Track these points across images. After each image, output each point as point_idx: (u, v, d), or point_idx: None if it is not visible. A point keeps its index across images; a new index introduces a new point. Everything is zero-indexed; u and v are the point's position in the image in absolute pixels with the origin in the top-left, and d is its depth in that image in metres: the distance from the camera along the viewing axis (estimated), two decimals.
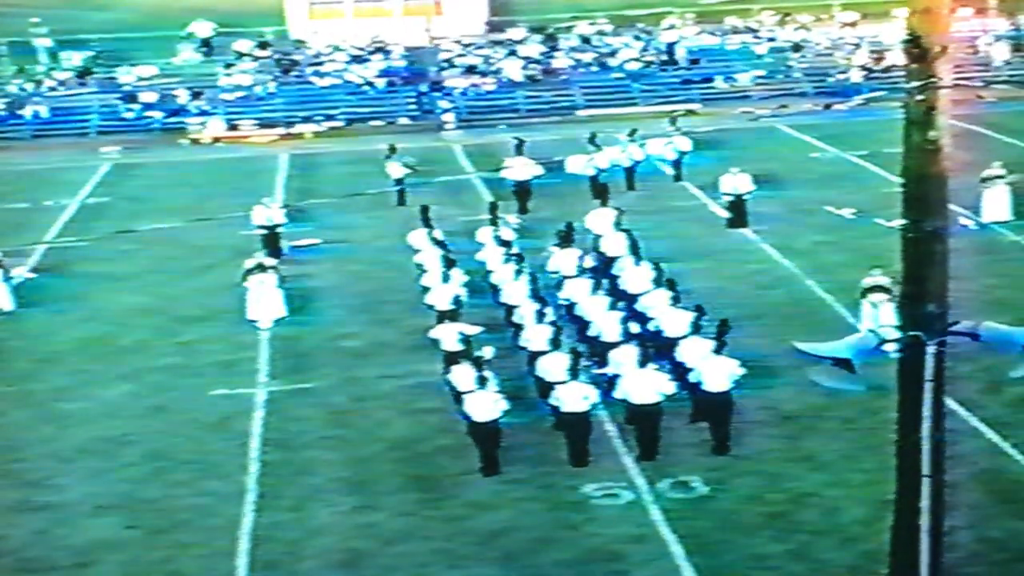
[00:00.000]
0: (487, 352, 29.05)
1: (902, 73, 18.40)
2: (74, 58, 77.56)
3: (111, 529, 25.16)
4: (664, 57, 74.39)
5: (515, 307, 32.56)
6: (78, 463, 28.17)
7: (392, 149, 50.13)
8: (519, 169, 47.38)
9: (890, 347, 28.79)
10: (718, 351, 27.75)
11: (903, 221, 18.82)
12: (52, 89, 73.57)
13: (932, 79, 17.87)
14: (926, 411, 18.94)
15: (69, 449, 28.91)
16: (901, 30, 18.42)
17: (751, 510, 24.90)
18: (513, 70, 72.02)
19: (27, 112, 70.13)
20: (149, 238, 43.79)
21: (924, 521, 19.28)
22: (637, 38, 77.75)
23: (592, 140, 48.81)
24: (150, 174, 57.56)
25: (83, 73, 75.74)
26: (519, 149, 47.98)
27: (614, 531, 24.34)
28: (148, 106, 69.71)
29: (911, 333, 19.18)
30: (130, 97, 70.64)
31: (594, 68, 73.63)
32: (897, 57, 64.53)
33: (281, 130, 66.06)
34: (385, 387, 31.59)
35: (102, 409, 31.15)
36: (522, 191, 47.01)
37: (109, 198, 52.84)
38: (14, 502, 26.46)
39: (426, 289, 34.64)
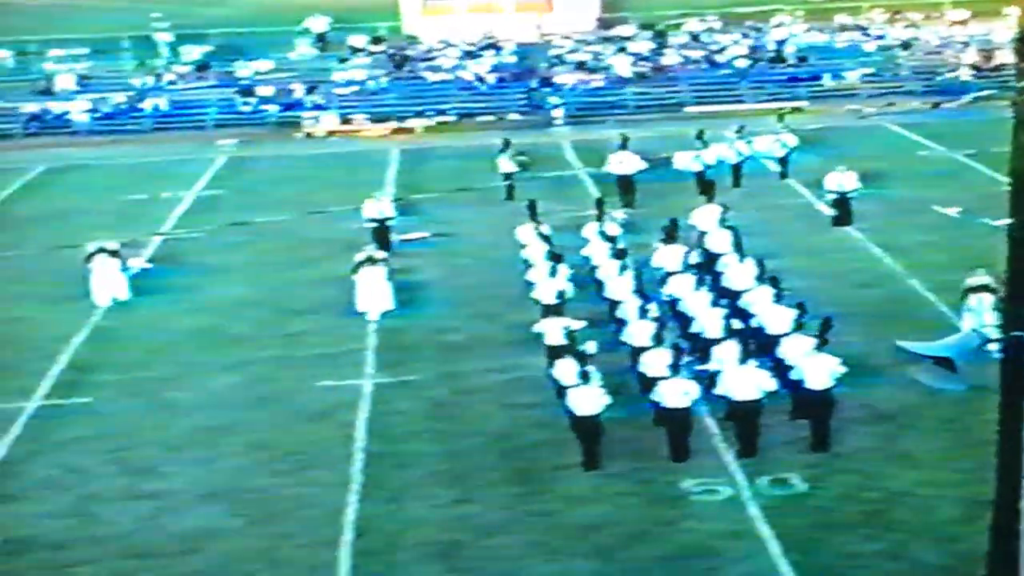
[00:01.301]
0: (590, 347, 28.83)
1: (1012, 72, 18.04)
2: (193, 52, 78.30)
3: (216, 517, 25.20)
4: (772, 54, 73.78)
5: (619, 302, 32.34)
6: (185, 452, 28.25)
7: (506, 143, 50.00)
8: (623, 164, 47.10)
9: (992, 347, 28.46)
10: (820, 348, 27.40)
11: (1009, 221, 18.46)
12: (172, 83, 74.23)
13: None
14: None
15: (176, 438, 29.02)
16: (1012, 29, 18.12)
17: (847, 508, 24.55)
18: (622, 66, 71.67)
19: (147, 105, 70.69)
20: (261, 230, 43.94)
21: None
22: (746, 35, 77.32)
23: (699, 136, 48.42)
24: (264, 167, 57.78)
25: (202, 67, 76.38)
26: (624, 144, 47.69)
27: (711, 527, 24.07)
28: (264, 100, 70.03)
29: (1014, 333, 18.82)
30: (247, 91, 71.01)
31: (703, 65, 73.17)
32: (1007, 56, 63.71)
33: (393, 124, 66.13)
34: (486, 381, 31.46)
35: (209, 399, 31.24)
36: (626, 186, 46.72)
37: (224, 191, 53.10)
38: (123, 489, 26.58)
39: (531, 284, 34.46)
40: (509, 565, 22.93)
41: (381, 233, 42.18)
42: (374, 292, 36.54)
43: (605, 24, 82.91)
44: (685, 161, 48.29)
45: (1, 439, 28.99)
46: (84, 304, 38.02)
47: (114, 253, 38.83)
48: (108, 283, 38.49)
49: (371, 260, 37.07)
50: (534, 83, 70.21)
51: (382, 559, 23.28)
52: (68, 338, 35.49)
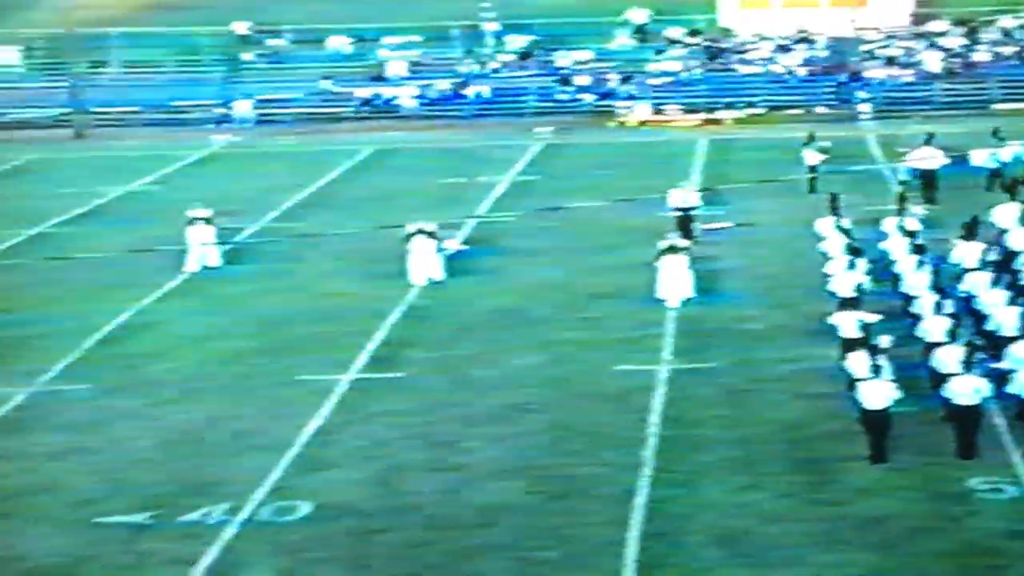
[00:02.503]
0: (884, 341, 28.23)
1: None
2: (517, 41, 78.93)
3: (512, 493, 25.30)
4: None
5: (915, 297, 31.69)
6: (486, 428, 28.47)
7: (811, 137, 49.41)
8: (926, 160, 46.11)
9: None
10: None
11: None
12: (495, 71, 75.03)
13: None
14: None
15: (478, 414, 29.27)
16: None
17: None
18: (932, 62, 70.10)
19: (470, 92, 71.67)
20: (571, 216, 44.17)
21: None
22: None
23: (995, 134, 47.13)
24: (577, 154, 58.07)
25: (524, 56, 77.01)
26: (928, 140, 46.70)
27: (995, 526, 23.31)
28: (581, 89, 70.36)
29: None
30: (565, 80, 71.43)
31: (1014, 62, 71.05)
32: None
33: (703, 115, 65.83)
34: (781, 370, 31.08)
35: (512, 378, 31.45)
36: (928, 181, 45.72)
37: (538, 176, 53.49)
38: (427, 461, 26.86)
39: (829, 276, 33.95)
40: (791, 553, 22.54)
41: (685, 222, 41.99)
42: (675, 279, 36.41)
43: (918, 19, 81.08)
44: (982, 158, 47.09)
45: (320, 409, 29.63)
46: (401, 283, 38.69)
47: (431, 234, 39.43)
48: (424, 263, 39.11)
49: (673, 248, 36.94)
50: (843, 77, 69.10)
51: (669, 542, 23.11)
52: (384, 315, 36.17)
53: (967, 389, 26.14)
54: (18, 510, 24.81)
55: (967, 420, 26.19)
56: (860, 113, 64.50)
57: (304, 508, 24.60)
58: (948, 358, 27.49)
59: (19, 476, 26.35)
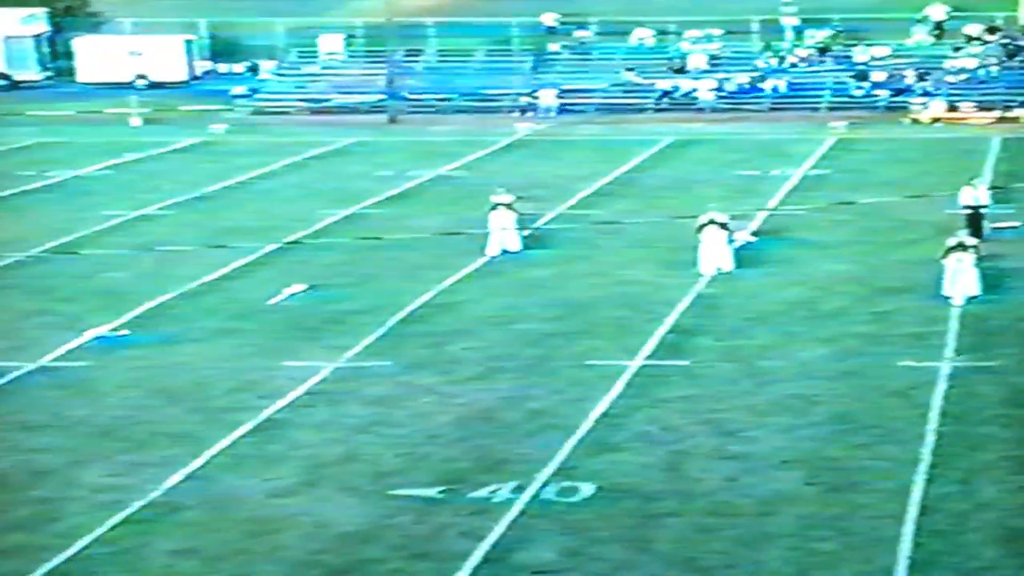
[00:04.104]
0: None
1: None
2: (816, 36, 77.87)
3: (792, 483, 24.96)
4: None
5: None
6: (770, 417, 28.13)
7: None
8: None
9: None
10: None
11: None
12: (793, 65, 74.17)
13: None
14: None
15: (764, 404, 28.93)
16: None
17: None
18: None
19: (768, 86, 71.01)
20: (862, 210, 43.42)
21: None
22: None
23: None
24: (870, 149, 57.06)
25: (822, 51, 75.93)
26: None
27: None
28: (876, 85, 69.09)
29: None
30: (861, 75, 70.20)
31: None
32: None
33: (997, 113, 64.02)
34: None
35: (798, 369, 31.02)
36: None
37: (830, 170, 52.70)
38: (712, 449, 26.64)
39: None
40: None
41: (974, 220, 40.88)
42: (962, 277, 35.49)
43: None
44: None
45: (607, 393, 29.67)
46: (692, 272, 38.52)
47: (723, 225, 39.15)
48: (715, 253, 38.85)
49: (962, 246, 36.01)
50: None
51: (947, 539, 22.53)
52: (674, 303, 36.05)
53: None
54: (325, 479, 25.41)
55: None
56: None
57: (589, 489, 24.65)
58: None
59: (327, 447, 26.96)
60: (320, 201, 49.87)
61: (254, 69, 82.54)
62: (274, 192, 52.85)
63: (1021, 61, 71.32)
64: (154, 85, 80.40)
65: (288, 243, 42.85)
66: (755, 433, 27.34)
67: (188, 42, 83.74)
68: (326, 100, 74.47)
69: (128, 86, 79.02)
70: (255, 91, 77.42)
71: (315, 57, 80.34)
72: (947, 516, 23.36)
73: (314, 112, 73.21)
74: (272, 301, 37.14)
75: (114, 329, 34.77)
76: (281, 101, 75.48)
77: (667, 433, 27.39)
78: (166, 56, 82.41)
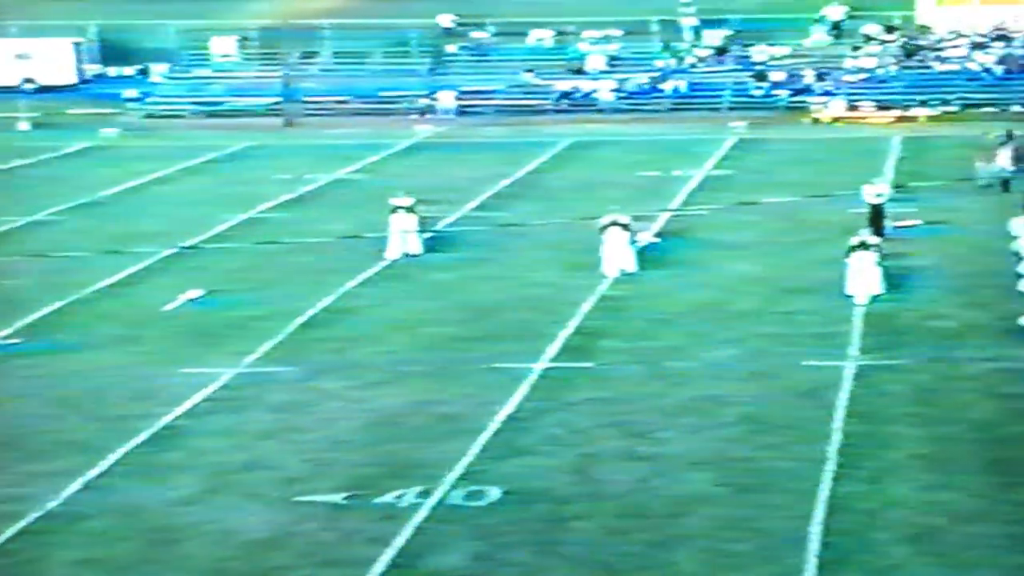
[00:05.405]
0: None
1: None
2: (714, 36, 78.37)
3: (703, 484, 25.08)
4: None
5: None
6: (680, 419, 28.26)
7: (1009, 135, 48.56)
8: None
9: None
10: None
11: None
12: (692, 65, 74.63)
13: None
14: None
15: (673, 405, 29.06)
16: None
17: None
18: None
19: (668, 86, 71.43)
20: (765, 210, 43.79)
21: None
22: None
23: None
24: (772, 149, 57.56)
25: (721, 51, 76.45)
26: None
27: None
28: (776, 84, 69.70)
29: None
30: (760, 75, 70.80)
31: None
32: None
33: (897, 113, 64.83)
34: (972, 369, 30.46)
35: (706, 370, 31.21)
36: None
37: (732, 171, 53.09)
38: (621, 451, 26.71)
39: (1021, 276, 33.22)
40: (984, 554, 21.99)
41: (876, 218, 41.35)
42: (864, 276, 35.87)
43: None
44: None
45: (513, 396, 29.69)
46: (596, 273, 38.63)
47: (625, 226, 39.32)
48: (618, 255, 38.99)
49: (864, 245, 36.39)
50: None
51: (855, 538, 22.74)
52: (579, 305, 36.14)
53: None
54: (229, 486, 25.23)
55: None
56: None
57: (498, 493, 24.65)
58: None
59: (230, 454, 26.79)
60: (217, 206, 49.55)
61: (145, 72, 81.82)
62: (170, 197, 52.52)
63: (919, 61, 72.19)
64: (42, 89, 79.54)
65: (185, 248, 42.55)
66: (665, 434, 27.47)
67: (77, 45, 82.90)
68: (221, 103, 73.98)
69: (15, 90, 78.14)
70: (148, 94, 76.77)
71: (208, 60, 79.82)
72: (857, 515, 23.56)
73: (209, 115, 72.71)
74: (169, 307, 36.86)
75: (5, 337, 34.37)
76: (174, 104, 74.93)
77: (576, 435, 27.46)
78: (54, 59, 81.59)
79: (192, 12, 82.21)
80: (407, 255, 41.49)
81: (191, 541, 22.95)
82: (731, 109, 67.65)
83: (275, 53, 75.74)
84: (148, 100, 75.77)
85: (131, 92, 77.02)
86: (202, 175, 57.28)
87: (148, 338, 34.35)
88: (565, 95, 71.47)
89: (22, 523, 23.64)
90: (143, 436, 27.67)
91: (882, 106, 65.85)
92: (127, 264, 40.40)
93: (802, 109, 66.62)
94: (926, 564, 21.76)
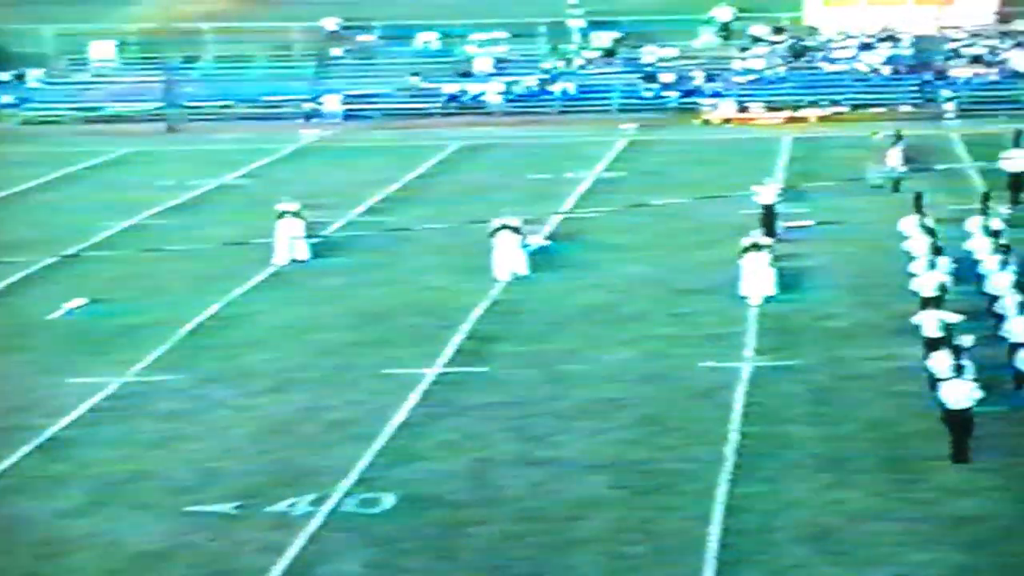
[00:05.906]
0: (967, 340, 27.93)
1: None
2: (603, 38, 78.65)
3: (600, 487, 25.22)
4: None
5: (998, 297, 31.38)
6: (576, 422, 28.40)
7: (898, 136, 49.19)
8: (1016, 160, 45.63)
9: None
10: None
11: None
12: (581, 67, 74.87)
13: None
14: None
15: (569, 408, 29.20)
16: None
17: None
18: (1019, 61, 69.34)
19: (556, 88, 71.64)
20: (657, 212, 44.05)
21: None
22: None
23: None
24: (662, 151, 57.92)
25: (609, 53, 76.75)
26: (1017, 140, 46.18)
27: None
28: (666, 86, 70.12)
29: None
30: (650, 77, 71.20)
31: None
32: None
33: (787, 113, 65.49)
34: (867, 368, 30.85)
35: (601, 372, 31.36)
36: (1017, 182, 45.23)
37: (623, 172, 53.36)
38: (517, 455, 26.79)
39: (913, 275, 33.67)
40: (881, 552, 22.32)
41: (768, 219, 41.72)
42: (757, 277, 36.20)
43: (1004, 18, 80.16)
44: None
45: (406, 401, 29.65)
46: (487, 277, 38.67)
47: (516, 230, 39.38)
48: (509, 258, 39.05)
49: (756, 246, 36.71)
50: (928, 76, 68.48)
51: (754, 538, 22.97)
52: (471, 309, 36.17)
53: None
54: (117, 497, 25.01)
55: None
56: (944, 112, 63.93)
57: (392, 499, 24.62)
58: None
59: (119, 464, 26.55)
60: (99, 213, 48.96)
61: (21, 77, 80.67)
62: (50, 204, 51.87)
63: (807, 61, 72.94)
64: None
65: (67, 256, 42.08)
66: (561, 438, 27.57)
67: None
68: (100, 109, 73.22)
69: None
70: (24, 100, 75.78)
71: (86, 64, 78.97)
72: (755, 516, 23.79)
73: (88, 121, 71.90)
74: (52, 316, 36.45)
75: None
76: (52, 110, 74.04)
77: (471, 440, 27.50)
78: None
79: (69, 16, 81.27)
80: (295, 261, 41.29)
81: (79, 554, 22.74)
82: (621, 111, 67.93)
83: (156, 58, 75.03)
84: (25, 106, 74.78)
85: (7, 98, 75.95)
86: (82, 182, 56.63)
87: (31, 347, 34.00)
88: (453, 98, 71.47)
89: None
90: (28, 447, 27.37)
91: (772, 107, 66.45)
92: (7, 274, 39.89)
93: (692, 110, 67.05)
94: (825, 563, 22.01)
